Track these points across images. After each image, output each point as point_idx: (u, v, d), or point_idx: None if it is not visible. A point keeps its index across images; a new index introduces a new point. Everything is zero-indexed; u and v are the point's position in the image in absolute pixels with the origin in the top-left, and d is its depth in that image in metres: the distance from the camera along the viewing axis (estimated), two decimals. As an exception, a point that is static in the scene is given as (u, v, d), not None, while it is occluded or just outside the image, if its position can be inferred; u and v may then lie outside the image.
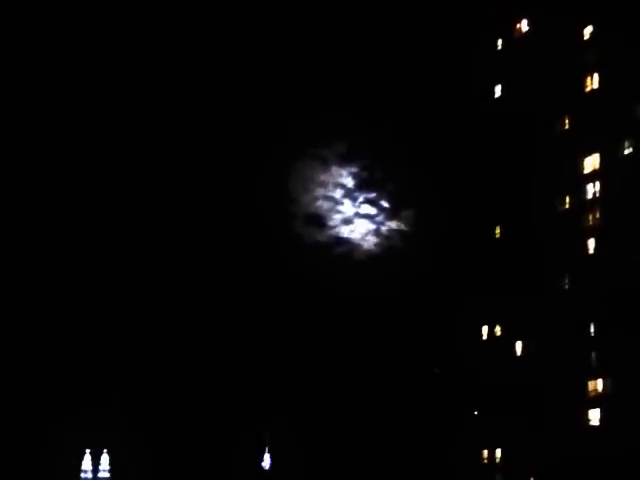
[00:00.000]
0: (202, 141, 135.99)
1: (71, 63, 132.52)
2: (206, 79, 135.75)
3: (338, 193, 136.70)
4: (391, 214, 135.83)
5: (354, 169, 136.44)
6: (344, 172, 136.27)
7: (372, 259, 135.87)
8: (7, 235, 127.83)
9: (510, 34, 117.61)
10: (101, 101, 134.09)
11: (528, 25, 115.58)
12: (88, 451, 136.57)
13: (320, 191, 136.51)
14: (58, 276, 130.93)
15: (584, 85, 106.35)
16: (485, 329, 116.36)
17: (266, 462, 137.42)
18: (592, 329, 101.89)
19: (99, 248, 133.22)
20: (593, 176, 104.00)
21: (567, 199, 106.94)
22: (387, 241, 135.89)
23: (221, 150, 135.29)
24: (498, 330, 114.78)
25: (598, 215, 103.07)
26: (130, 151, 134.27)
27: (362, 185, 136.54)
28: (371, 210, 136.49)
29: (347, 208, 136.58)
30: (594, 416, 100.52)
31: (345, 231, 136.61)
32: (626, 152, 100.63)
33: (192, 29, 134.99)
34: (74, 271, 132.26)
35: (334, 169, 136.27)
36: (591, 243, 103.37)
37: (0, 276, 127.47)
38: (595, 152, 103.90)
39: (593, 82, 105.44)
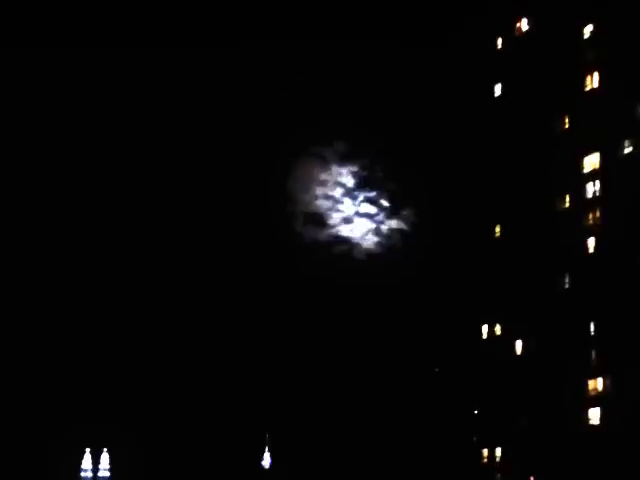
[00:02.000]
0: (203, 141, 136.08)
1: (79, 65, 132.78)
2: (208, 81, 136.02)
3: (338, 192, 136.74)
4: (391, 213, 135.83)
5: (354, 168, 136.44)
6: (344, 171, 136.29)
7: (372, 258, 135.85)
8: (8, 236, 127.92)
9: (510, 33, 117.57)
10: (109, 104, 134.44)
11: (528, 24, 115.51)
12: (88, 450, 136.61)
13: (320, 190, 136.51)
14: (58, 274, 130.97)
15: (584, 84, 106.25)
16: (485, 328, 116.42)
17: (266, 461, 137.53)
18: (592, 328, 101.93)
19: (102, 248, 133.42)
20: (593, 175, 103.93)
21: (567, 198, 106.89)
22: (387, 240, 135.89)
23: (221, 149, 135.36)
24: (498, 329, 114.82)
25: (598, 214, 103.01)
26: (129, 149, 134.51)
27: (362, 184, 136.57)
28: (371, 209, 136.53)
29: (347, 207, 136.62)
30: (594, 415, 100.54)
31: (345, 230, 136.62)
32: (626, 151, 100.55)
33: (200, 34, 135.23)
34: (74, 268, 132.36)
35: (334, 168, 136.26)
36: (591, 242, 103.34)
37: (1, 275, 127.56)
38: (595, 151, 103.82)
39: (593, 81, 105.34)
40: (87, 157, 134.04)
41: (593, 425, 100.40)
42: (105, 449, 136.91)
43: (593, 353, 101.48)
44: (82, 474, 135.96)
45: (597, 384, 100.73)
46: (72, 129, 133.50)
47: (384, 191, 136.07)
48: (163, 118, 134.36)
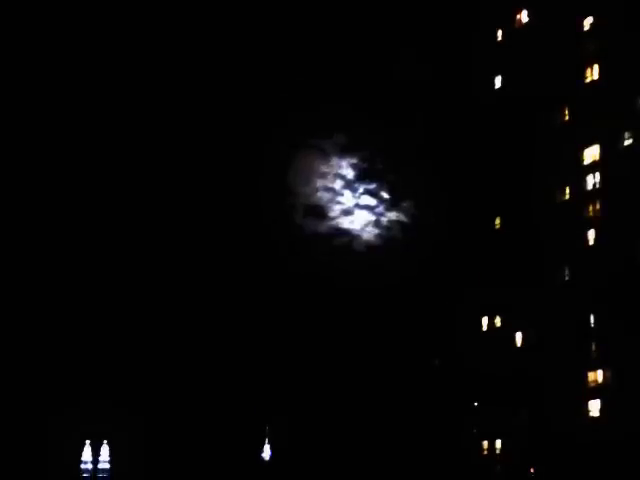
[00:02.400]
0: (201, 133, 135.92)
1: (69, 62, 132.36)
2: (205, 70, 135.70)
3: (338, 184, 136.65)
4: (391, 205, 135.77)
5: (354, 160, 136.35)
6: (344, 163, 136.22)
7: (372, 250, 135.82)
8: (7, 235, 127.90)
9: (510, 25, 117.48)
10: (99, 96, 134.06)
11: (528, 16, 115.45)
12: (88, 442, 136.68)
13: (320, 182, 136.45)
14: (57, 272, 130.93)
15: (584, 76, 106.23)
16: (485, 320, 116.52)
17: (266, 453, 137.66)
18: (592, 320, 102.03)
19: (98, 244, 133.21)
20: (593, 167, 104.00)
21: (567, 190, 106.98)
22: (387, 232, 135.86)
23: (221, 142, 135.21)
24: (498, 321, 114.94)
25: (598, 206, 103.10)
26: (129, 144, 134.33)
27: (362, 176, 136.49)
28: (371, 201, 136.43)
29: (347, 199, 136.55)
30: (594, 407, 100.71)
31: (345, 222, 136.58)
32: (626, 143, 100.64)
33: (191, 23, 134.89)
34: (73, 266, 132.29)
35: (334, 160, 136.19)
36: (591, 234, 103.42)
37: (1, 272, 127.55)
38: (595, 143, 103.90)
39: (593, 73, 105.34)
40: (79, 152, 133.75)
41: (593, 417, 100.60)
42: (105, 441, 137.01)
43: (593, 345, 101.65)
44: (82, 466, 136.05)
45: (597, 376, 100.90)
46: (67, 127, 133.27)
47: (384, 183, 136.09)
48: (163, 116, 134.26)
